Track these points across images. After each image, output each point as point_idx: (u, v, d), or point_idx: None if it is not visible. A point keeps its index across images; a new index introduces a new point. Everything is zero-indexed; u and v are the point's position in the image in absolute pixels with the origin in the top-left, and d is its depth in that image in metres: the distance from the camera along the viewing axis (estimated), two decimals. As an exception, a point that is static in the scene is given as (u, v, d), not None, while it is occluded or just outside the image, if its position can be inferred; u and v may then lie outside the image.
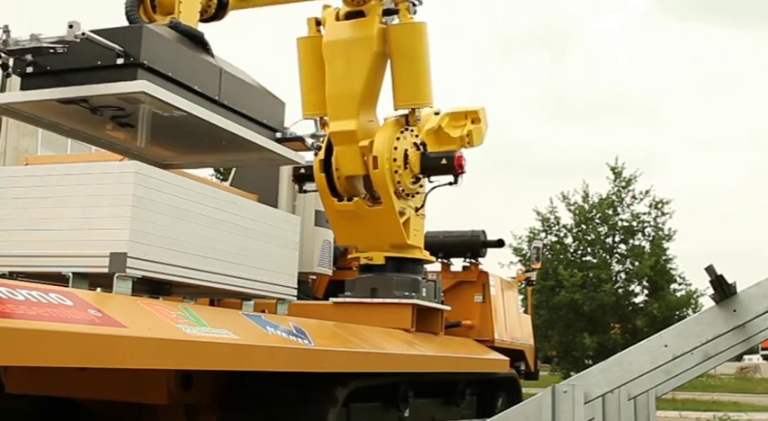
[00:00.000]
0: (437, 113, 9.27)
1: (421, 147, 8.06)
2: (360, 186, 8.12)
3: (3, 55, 4.82)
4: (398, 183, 7.86)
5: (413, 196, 8.15)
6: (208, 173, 29.51)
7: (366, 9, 7.92)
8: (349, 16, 8.01)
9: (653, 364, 4.25)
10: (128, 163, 5.57)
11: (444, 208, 12.77)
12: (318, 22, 8.15)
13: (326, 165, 7.96)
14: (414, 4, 7.89)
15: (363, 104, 7.93)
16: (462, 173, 8.13)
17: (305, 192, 8.32)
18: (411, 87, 7.98)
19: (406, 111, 8.03)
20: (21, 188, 4.98)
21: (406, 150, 7.91)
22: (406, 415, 7.12)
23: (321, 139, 6.65)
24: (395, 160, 7.82)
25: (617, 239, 27.71)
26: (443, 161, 8.05)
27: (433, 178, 8.29)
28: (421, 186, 8.24)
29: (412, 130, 8.06)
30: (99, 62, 4.92)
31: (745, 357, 44.60)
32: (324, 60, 7.92)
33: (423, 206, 8.35)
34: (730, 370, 38.49)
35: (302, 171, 8.23)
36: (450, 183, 8.22)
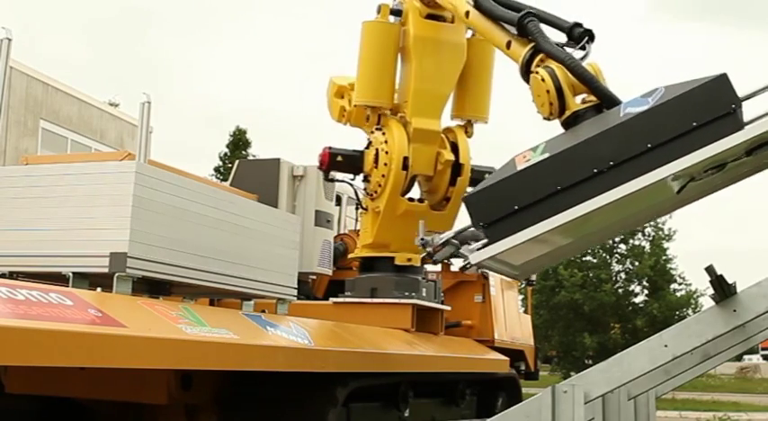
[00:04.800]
0: None
1: None
2: (422, 187, 8.15)
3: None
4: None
5: None
6: (207, 173, 29.66)
7: (448, 16, 7.89)
8: (428, 17, 7.95)
9: (653, 364, 4.25)
10: (127, 162, 5.56)
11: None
12: (392, 12, 8.06)
13: (406, 162, 7.80)
14: None
15: (443, 107, 8.05)
16: None
17: (331, 180, 8.22)
18: (475, 100, 8.19)
19: (462, 122, 8.19)
20: (21, 188, 4.98)
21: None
22: (406, 415, 7.12)
23: None
24: (472, 170, 7.97)
25: (617, 239, 27.72)
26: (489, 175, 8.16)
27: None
28: None
29: None
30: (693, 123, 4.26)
31: (745, 357, 44.57)
32: (409, 53, 7.90)
33: None
34: (730, 370, 38.47)
35: (339, 159, 8.00)
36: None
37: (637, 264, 27.02)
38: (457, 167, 7.94)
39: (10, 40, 4.80)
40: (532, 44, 5.35)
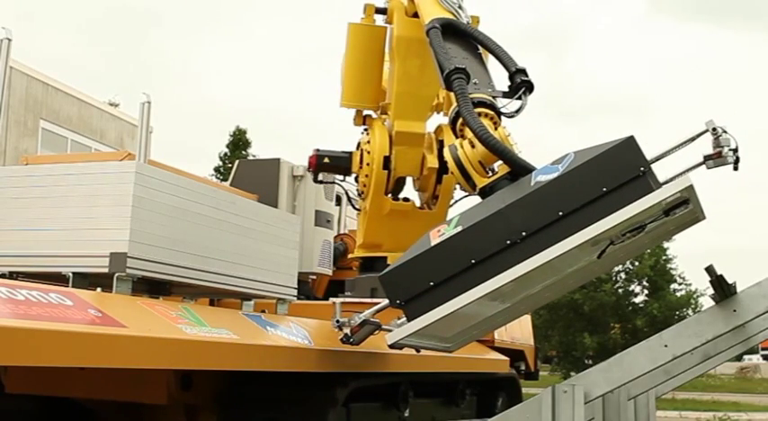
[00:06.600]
0: None
1: None
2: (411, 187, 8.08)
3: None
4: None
5: None
6: (208, 173, 29.66)
7: None
8: (416, 16, 7.89)
9: (653, 364, 4.25)
10: (127, 162, 5.56)
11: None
12: (378, 11, 7.96)
13: (387, 162, 7.81)
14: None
15: (430, 108, 7.95)
16: None
17: (320, 182, 8.22)
18: None
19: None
20: (21, 188, 4.98)
21: None
22: (406, 415, 7.11)
23: None
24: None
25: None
26: None
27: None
28: None
29: None
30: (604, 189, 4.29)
31: (745, 357, 44.57)
32: (393, 54, 7.80)
33: None
34: (730, 370, 38.50)
35: (326, 160, 8.02)
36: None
37: (637, 263, 26.99)
38: (443, 165, 7.80)
39: (10, 40, 4.80)
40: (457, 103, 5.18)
